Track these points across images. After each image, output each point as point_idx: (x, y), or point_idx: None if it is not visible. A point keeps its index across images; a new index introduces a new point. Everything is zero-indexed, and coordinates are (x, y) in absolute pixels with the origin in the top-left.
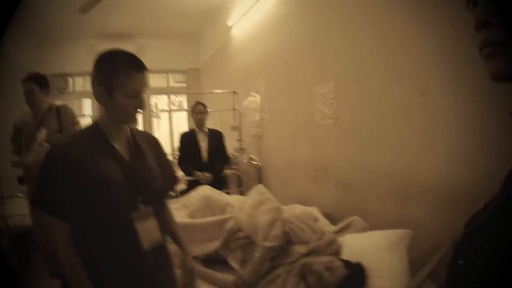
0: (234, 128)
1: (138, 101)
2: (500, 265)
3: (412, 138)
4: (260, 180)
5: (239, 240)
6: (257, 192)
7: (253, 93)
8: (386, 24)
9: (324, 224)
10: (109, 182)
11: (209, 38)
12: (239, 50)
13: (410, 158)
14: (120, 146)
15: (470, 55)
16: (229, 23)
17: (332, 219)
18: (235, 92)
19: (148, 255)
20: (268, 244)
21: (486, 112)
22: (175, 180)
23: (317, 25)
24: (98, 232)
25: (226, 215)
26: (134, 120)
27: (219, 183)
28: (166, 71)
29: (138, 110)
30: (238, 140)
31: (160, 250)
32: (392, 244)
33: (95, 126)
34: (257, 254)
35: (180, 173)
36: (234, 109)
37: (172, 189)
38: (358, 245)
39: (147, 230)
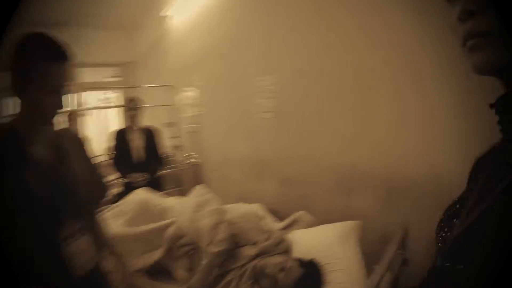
0: (170, 124)
1: (57, 98)
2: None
3: (357, 132)
4: (198, 178)
5: (182, 247)
6: (198, 193)
7: (190, 87)
8: (331, 17)
9: (270, 221)
10: (27, 197)
11: (145, 29)
12: (177, 42)
13: (356, 151)
14: (39, 152)
15: (418, 50)
16: (166, 13)
17: (277, 215)
18: (171, 86)
19: (83, 280)
20: (214, 249)
21: (438, 108)
22: (105, 187)
23: (259, 16)
24: (23, 260)
25: (166, 221)
26: (55, 121)
27: (156, 184)
28: (100, 64)
29: (58, 109)
30: (174, 137)
31: (96, 270)
32: (344, 237)
33: (9, 128)
34: (204, 260)
35: (115, 175)
36: (171, 104)
37: (103, 198)
38: (308, 241)
39: (80, 251)
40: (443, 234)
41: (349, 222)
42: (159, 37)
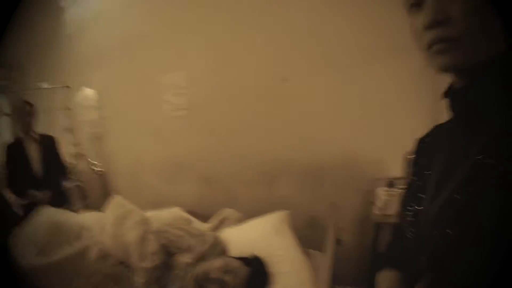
0: (68, 130)
1: None
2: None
3: (274, 124)
4: (108, 187)
5: (111, 268)
6: (115, 205)
7: (90, 87)
8: (242, 11)
9: (198, 224)
10: None
11: (37, 22)
12: (74, 37)
13: (274, 142)
14: None
15: (334, 44)
16: (61, 4)
17: (197, 217)
18: (68, 86)
19: None
20: (147, 264)
21: (350, 98)
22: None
23: (166, 10)
24: None
25: (86, 242)
26: None
27: (62, 201)
28: None
29: None
30: (74, 145)
31: None
32: (277, 228)
33: None
34: (139, 279)
35: (12, 196)
36: (68, 108)
37: (10, 225)
38: (243, 237)
39: None
40: (413, 209)
41: (279, 212)
42: (53, 31)
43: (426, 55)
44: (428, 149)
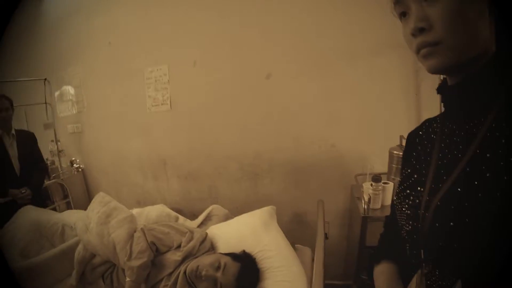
0: (47, 126)
1: None
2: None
3: (258, 120)
4: (87, 185)
5: (97, 268)
6: (100, 202)
7: (68, 81)
8: (227, 8)
9: (183, 220)
10: None
11: (12, 13)
12: (52, 28)
13: (259, 139)
14: None
15: (318, 42)
16: None
17: (184, 214)
18: (46, 80)
19: None
20: (136, 263)
21: (335, 94)
22: None
23: (149, 3)
24: None
25: (70, 241)
26: None
27: (41, 199)
28: None
29: None
30: (53, 141)
31: None
32: (266, 223)
33: None
34: (128, 278)
35: None
36: (46, 102)
37: None
38: (232, 233)
39: None
40: (410, 203)
41: (266, 208)
42: (30, 22)
43: (418, 59)
44: (421, 143)
